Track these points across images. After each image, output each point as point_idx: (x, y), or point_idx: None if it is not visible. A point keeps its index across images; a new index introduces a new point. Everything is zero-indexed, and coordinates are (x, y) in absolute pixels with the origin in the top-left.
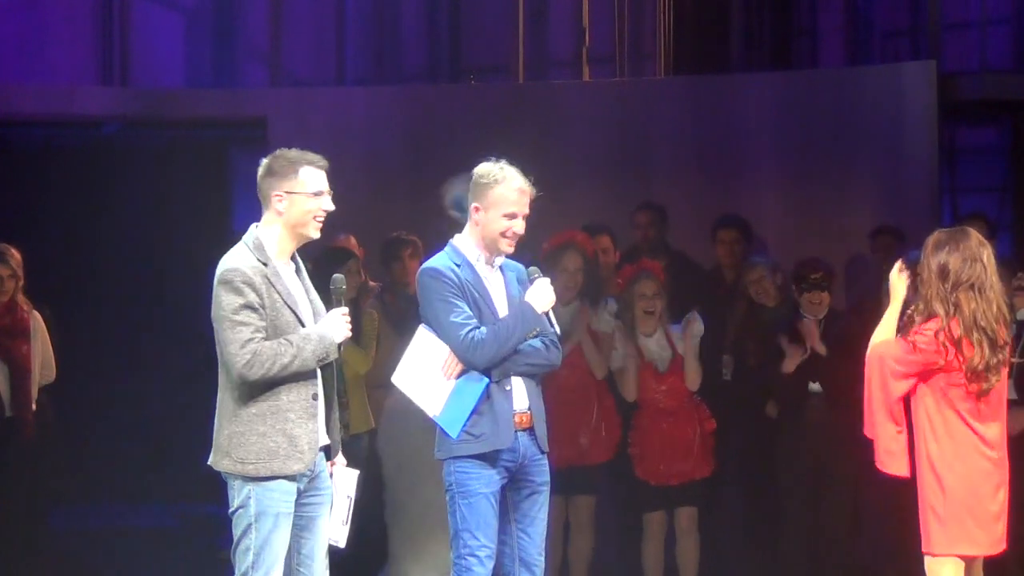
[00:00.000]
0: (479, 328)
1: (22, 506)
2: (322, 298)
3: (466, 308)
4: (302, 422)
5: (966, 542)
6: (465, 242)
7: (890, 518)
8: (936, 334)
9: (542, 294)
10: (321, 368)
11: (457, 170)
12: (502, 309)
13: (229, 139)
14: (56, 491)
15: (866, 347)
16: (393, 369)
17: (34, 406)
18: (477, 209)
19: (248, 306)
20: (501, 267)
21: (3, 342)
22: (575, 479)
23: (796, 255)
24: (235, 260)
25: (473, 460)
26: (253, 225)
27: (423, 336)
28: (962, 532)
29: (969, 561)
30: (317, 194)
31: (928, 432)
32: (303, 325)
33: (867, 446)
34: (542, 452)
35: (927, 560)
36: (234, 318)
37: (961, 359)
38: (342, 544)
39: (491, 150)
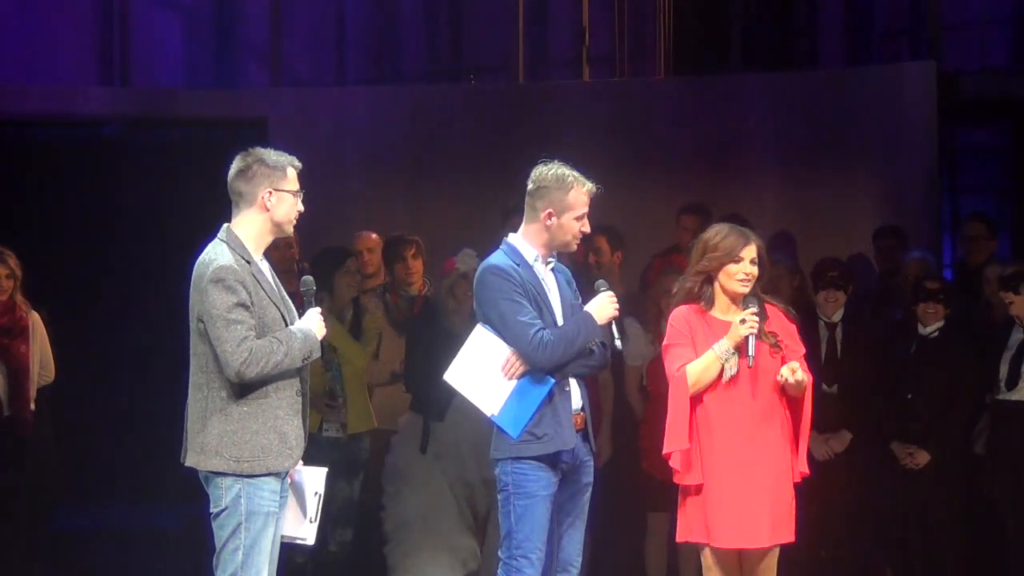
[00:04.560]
0: (545, 329)
1: (21, 506)
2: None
3: (531, 308)
4: (289, 419)
5: None
6: (522, 242)
7: (892, 518)
8: None
9: (604, 306)
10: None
11: (457, 170)
12: (558, 310)
13: (229, 139)
14: (55, 491)
15: (872, 348)
16: (395, 369)
17: (33, 406)
18: (551, 215)
19: (241, 304)
20: (553, 268)
21: (1, 342)
22: None
23: (796, 255)
24: (224, 258)
25: (533, 461)
26: (226, 225)
27: (481, 335)
28: None
29: None
30: (298, 193)
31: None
32: (286, 322)
33: (871, 446)
34: (591, 453)
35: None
36: (228, 316)
37: None
38: (310, 541)
39: (491, 150)
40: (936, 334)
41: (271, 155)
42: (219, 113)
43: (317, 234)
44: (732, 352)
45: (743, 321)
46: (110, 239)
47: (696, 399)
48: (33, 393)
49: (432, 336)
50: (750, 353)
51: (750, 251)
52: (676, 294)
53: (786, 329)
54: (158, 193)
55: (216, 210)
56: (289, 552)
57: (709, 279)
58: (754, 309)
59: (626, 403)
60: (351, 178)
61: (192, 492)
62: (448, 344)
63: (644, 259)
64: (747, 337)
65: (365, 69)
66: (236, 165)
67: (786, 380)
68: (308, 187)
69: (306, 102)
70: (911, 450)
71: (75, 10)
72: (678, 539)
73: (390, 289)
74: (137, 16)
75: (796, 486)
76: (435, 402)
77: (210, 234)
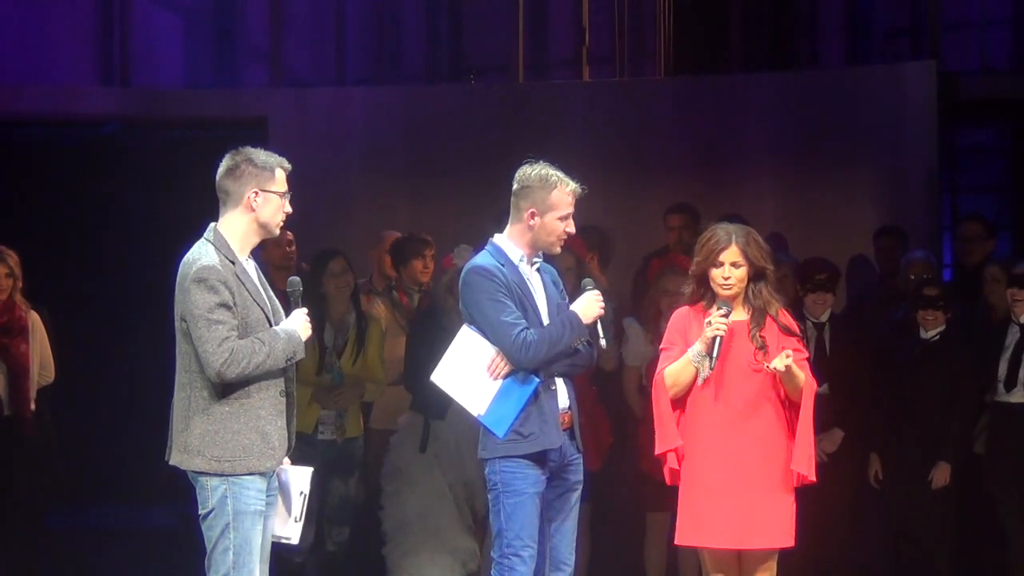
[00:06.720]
0: (529, 329)
1: (21, 506)
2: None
3: (515, 308)
4: (272, 419)
5: None
6: (507, 242)
7: (892, 517)
8: None
9: (589, 305)
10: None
11: (457, 170)
12: (543, 309)
13: (229, 139)
14: (55, 491)
15: (869, 347)
16: (402, 367)
17: (32, 406)
18: (533, 214)
19: (223, 304)
20: (538, 268)
21: (1, 341)
22: None
23: (796, 255)
24: (207, 258)
25: (520, 460)
26: (212, 224)
27: (467, 335)
28: None
29: None
30: (285, 195)
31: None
32: (270, 322)
33: (867, 444)
34: (578, 452)
35: None
36: (210, 316)
37: None
38: (295, 541)
39: (491, 150)
40: (936, 337)
41: (260, 155)
42: (219, 113)
43: (317, 234)
44: (703, 355)
45: (709, 324)
46: (110, 239)
47: (680, 401)
48: (33, 393)
49: (432, 334)
50: (713, 355)
51: (729, 254)
52: (683, 296)
53: (780, 335)
54: (158, 193)
55: (216, 210)
56: (286, 552)
57: (703, 280)
58: (723, 311)
59: (625, 403)
60: (351, 178)
61: (191, 492)
62: (448, 342)
63: (642, 259)
64: (714, 339)
65: (365, 69)
66: (225, 164)
67: (776, 369)
68: (308, 187)
69: (306, 102)
70: (933, 471)
71: (74, 10)
72: (676, 542)
73: (397, 288)
74: (137, 16)
75: (796, 488)
76: (435, 401)
77: (202, 234)
